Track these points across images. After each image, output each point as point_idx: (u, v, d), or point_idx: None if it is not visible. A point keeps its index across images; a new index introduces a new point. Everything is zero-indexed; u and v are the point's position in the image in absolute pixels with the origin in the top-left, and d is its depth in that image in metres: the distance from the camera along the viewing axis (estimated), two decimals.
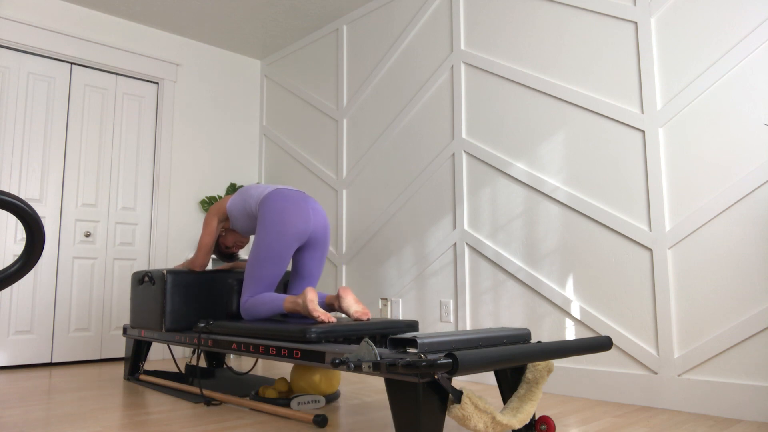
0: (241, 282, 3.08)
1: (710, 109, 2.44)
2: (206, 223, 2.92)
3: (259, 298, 2.59)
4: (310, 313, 2.32)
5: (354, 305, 2.42)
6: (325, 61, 4.47)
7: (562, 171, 2.91)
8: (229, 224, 3.01)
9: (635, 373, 2.55)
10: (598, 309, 2.71)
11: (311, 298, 2.35)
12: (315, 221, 2.72)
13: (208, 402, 2.48)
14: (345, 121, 4.22)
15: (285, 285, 3.24)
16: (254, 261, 2.64)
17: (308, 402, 2.42)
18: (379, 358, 1.62)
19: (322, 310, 2.33)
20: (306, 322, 2.28)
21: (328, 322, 2.28)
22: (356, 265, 3.99)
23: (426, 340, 1.63)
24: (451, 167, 3.42)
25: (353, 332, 2.21)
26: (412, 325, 2.41)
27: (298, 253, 2.81)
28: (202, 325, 2.59)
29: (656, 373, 2.49)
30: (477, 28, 3.39)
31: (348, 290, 2.46)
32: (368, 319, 2.37)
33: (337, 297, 2.47)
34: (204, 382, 3.04)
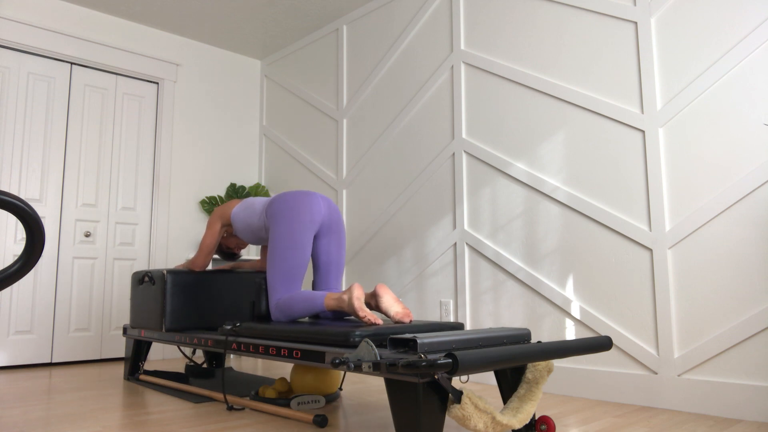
0: (242, 282, 3.08)
1: (710, 109, 2.44)
2: (209, 225, 2.91)
3: (295, 296, 2.43)
4: (355, 312, 2.15)
5: (394, 305, 2.23)
6: (325, 61, 4.47)
7: (562, 171, 2.91)
8: (232, 230, 3.00)
9: (635, 373, 2.55)
10: (598, 309, 2.71)
11: (358, 296, 2.16)
12: (324, 204, 2.65)
13: (231, 407, 2.43)
14: (345, 121, 4.22)
15: (311, 286, 3.20)
16: (275, 256, 2.52)
17: (308, 402, 2.42)
18: (379, 358, 1.62)
19: (369, 311, 2.15)
20: (341, 324, 2.12)
21: (375, 323, 2.10)
22: (356, 265, 3.99)
23: (426, 340, 1.63)
24: (451, 167, 3.42)
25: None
26: (458, 327, 2.23)
27: (318, 243, 2.69)
28: (229, 327, 2.40)
29: (656, 373, 2.49)
30: (477, 28, 3.39)
31: (386, 288, 2.26)
32: (410, 321, 2.21)
33: (374, 295, 2.28)
34: (204, 382, 3.04)
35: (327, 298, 2.31)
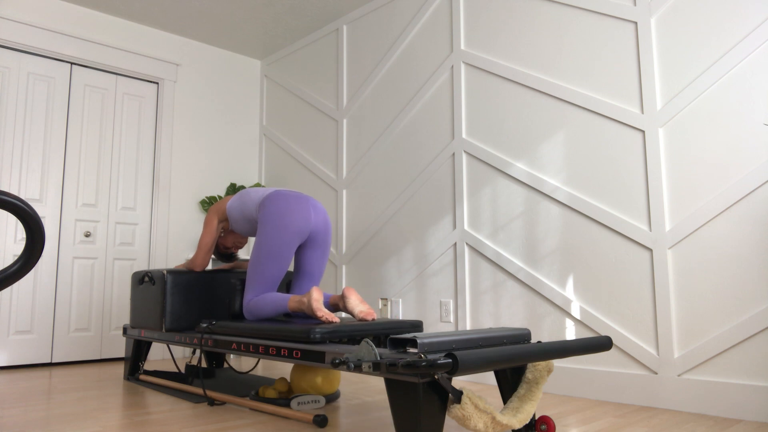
0: (241, 281, 3.08)
1: (710, 109, 2.44)
2: (206, 223, 2.92)
3: (263, 298, 2.57)
4: (314, 312, 2.31)
5: (359, 305, 2.40)
6: (325, 61, 4.47)
7: (562, 171, 2.91)
8: (228, 225, 3.01)
9: (635, 373, 2.55)
10: (598, 309, 2.71)
11: (316, 298, 2.33)
12: (316, 218, 2.72)
13: (212, 402, 2.47)
14: (345, 121, 4.22)
15: (287, 285, 3.24)
16: (256, 260, 2.63)
17: (308, 402, 2.42)
18: (379, 358, 1.62)
19: (326, 310, 2.31)
20: (309, 323, 2.26)
21: (332, 322, 2.26)
22: (356, 265, 3.99)
23: (426, 340, 1.63)
24: (451, 167, 3.42)
25: (357, 333, 2.18)
26: (416, 326, 2.38)
27: (300, 251, 2.80)
28: (205, 325, 2.56)
29: (656, 373, 2.49)
30: (477, 28, 3.39)
31: (352, 290, 2.44)
32: (373, 320, 2.35)
33: (342, 297, 2.45)
34: (204, 382, 3.04)
35: (290, 301, 2.48)
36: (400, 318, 3.62)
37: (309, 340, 2.05)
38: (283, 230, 2.60)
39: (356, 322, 2.28)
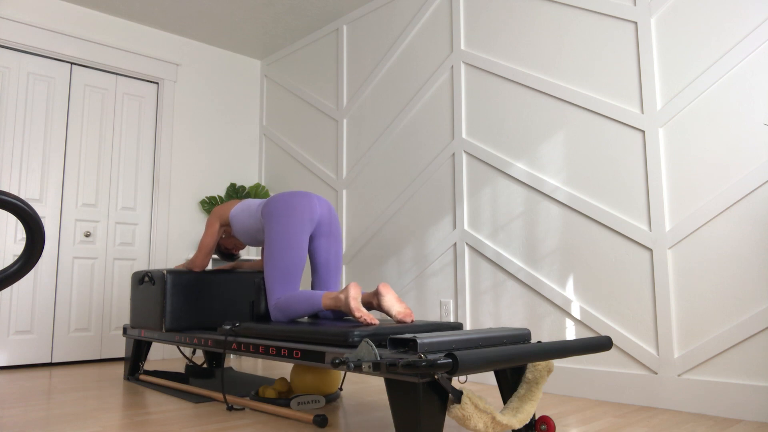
0: (242, 282, 3.08)
1: (710, 109, 2.44)
2: (208, 225, 2.91)
3: (294, 296, 2.43)
4: (351, 312, 2.16)
5: (396, 305, 2.23)
6: (325, 61, 4.47)
7: (562, 171, 2.91)
8: (231, 230, 3.00)
9: (635, 373, 2.55)
10: (598, 309, 2.71)
11: (354, 296, 2.17)
12: (320, 207, 2.64)
13: (231, 407, 2.43)
14: (345, 121, 4.22)
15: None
16: (270, 256, 2.52)
17: (308, 402, 2.42)
18: (379, 358, 1.62)
19: (364, 310, 2.17)
20: (340, 325, 2.12)
21: (371, 324, 2.10)
22: (356, 265, 3.99)
23: (426, 340, 1.63)
24: (451, 167, 3.42)
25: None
26: (457, 327, 2.23)
27: (315, 244, 2.69)
28: (228, 327, 2.40)
29: (656, 373, 2.49)
30: (477, 28, 3.39)
31: (388, 287, 2.26)
32: (412, 321, 2.20)
33: (376, 294, 2.28)
34: (204, 382, 3.04)
35: (324, 298, 2.32)
36: None
37: (347, 344, 1.89)
38: (290, 219, 2.53)
39: (395, 324, 2.13)
